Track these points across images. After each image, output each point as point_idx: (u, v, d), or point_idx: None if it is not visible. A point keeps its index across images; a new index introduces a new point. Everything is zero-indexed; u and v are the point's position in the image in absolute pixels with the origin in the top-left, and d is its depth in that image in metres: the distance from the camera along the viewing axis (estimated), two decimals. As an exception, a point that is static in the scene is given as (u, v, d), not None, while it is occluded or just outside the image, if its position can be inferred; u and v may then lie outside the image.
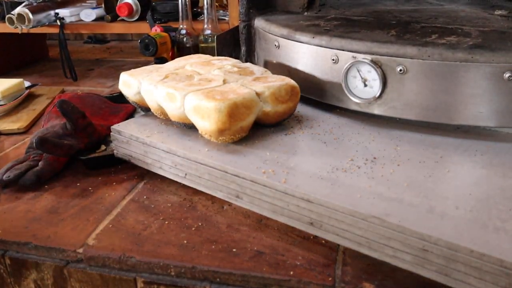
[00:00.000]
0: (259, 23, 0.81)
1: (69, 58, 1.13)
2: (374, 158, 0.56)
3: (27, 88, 1.07)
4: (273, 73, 0.76)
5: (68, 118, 0.72)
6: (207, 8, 1.00)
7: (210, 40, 1.00)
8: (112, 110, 0.89)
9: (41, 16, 1.14)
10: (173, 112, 0.62)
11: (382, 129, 0.64)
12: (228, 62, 0.73)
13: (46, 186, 0.69)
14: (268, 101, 0.61)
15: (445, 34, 0.64)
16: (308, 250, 0.52)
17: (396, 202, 0.46)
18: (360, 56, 0.62)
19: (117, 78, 1.10)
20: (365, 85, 0.63)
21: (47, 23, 1.16)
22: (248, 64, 0.72)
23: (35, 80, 1.24)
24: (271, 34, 0.76)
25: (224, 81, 0.64)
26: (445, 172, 0.52)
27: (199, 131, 0.60)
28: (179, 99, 0.60)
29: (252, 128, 0.62)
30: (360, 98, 0.64)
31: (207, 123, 0.57)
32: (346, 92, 0.65)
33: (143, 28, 1.12)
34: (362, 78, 0.63)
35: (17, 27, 1.11)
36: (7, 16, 1.11)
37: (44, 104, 1.02)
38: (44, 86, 1.17)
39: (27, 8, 1.09)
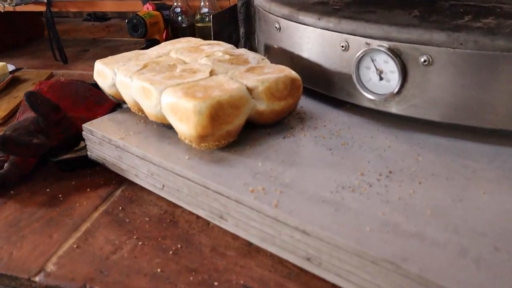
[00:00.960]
0: (258, 1, 0.70)
1: (58, 39, 1.03)
2: (390, 172, 0.45)
3: (11, 72, 0.98)
4: (274, 60, 0.66)
5: (37, 113, 0.63)
6: (204, -18, 0.88)
7: (207, 19, 0.89)
8: (97, 99, 0.80)
9: (25, -8, 1.04)
10: (149, 111, 0.52)
11: (400, 132, 0.53)
12: (219, 48, 0.62)
13: (12, 192, 0.60)
14: (263, 97, 0.50)
15: (481, 15, 0.52)
16: (306, 286, 0.42)
17: (416, 238, 0.36)
18: (375, 43, 0.51)
19: (109, 61, 1.00)
20: (381, 78, 0.52)
21: (32, 0, 1.06)
22: (243, 51, 0.61)
23: (25, 62, 1.15)
24: (271, 14, 0.64)
25: (212, 72, 0.54)
26: (480, 194, 0.41)
27: (178, 135, 0.50)
28: (155, 95, 0.50)
29: (244, 128, 0.51)
30: (374, 93, 0.53)
31: (185, 127, 0.47)
32: (357, 85, 0.54)
33: (137, 6, 1.01)
34: (377, 69, 0.52)
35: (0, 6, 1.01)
36: (-12, -8, 1.02)
37: (29, 90, 0.94)
38: (32, 69, 1.08)
39: (9, -16, 0.99)
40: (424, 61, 0.48)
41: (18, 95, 0.91)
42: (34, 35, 1.40)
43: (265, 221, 0.41)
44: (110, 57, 0.62)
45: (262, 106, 0.51)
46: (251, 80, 0.51)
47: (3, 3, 1.01)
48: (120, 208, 0.56)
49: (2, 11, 1.02)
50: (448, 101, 0.49)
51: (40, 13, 1.40)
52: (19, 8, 1.04)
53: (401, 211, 0.39)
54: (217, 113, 0.46)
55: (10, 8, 1.03)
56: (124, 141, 0.53)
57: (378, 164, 0.47)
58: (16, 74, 1.00)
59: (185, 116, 0.46)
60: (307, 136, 0.53)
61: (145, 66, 0.56)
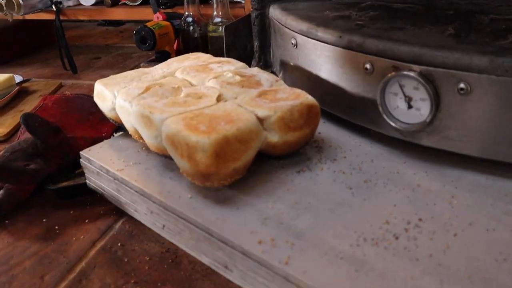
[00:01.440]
0: (274, 12, 0.64)
1: (67, 49, 0.99)
2: (420, 220, 0.39)
3: (18, 84, 0.95)
4: (290, 79, 0.60)
5: (35, 136, 0.59)
6: (217, -10, 0.83)
7: (220, 29, 0.84)
8: (102, 115, 0.76)
9: (34, 1, 1.00)
10: (149, 141, 0.47)
11: (431, 167, 0.47)
12: (229, 67, 0.57)
13: (6, 222, 0.56)
14: (275, 129, 0.45)
15: (528, 33, 0.45)
16: None
17: (453, 316, 0.30)
18: (404, 67, 0.44)
19: (123, 68, 0.96)
20: (410, 106, 0.46)
21: (42, 9, 1.02)
22: (256, 70, 0.56)
23: (34, 71, 1.12)
24: (288, 28, 0.59)
25: (219, 98, 0.48)
26: (529, 253, 0.35)
27: (180, 170, 0.45)
28: (155, 125, 0.45)
29: (255, 159, 0.46)
30: (402, 122, 0.47)
31: (186, 164, 0.42)
32: (382, 113, 0.48)
33: (147, 13, 0.97)
34: (405, 96, 0.45)
35: (7, 14, 0.98)
36: (-5, 1, 0.99)
37: (35, 103, 0.90)
38: (41, 78, 1.05)
39: (17, -8, 0.96)
40: (461, 89, 0.42)
41: (24, 108, 0.87)
42: (44, 42, 1.37)
43: (275, 280, 0.36)
44: (111, 76, 0.57)
45: (275, 138, 0.45)
46: (263, 109, 0.45)
47: (11, 12, 0.98)
48: (119, 244, 0.51)
49: (10, 20, 0.99)
50: (487, 134, 0.43)
51: (51, 20, 1.38)
52: (28, 17, 1.01)
53: (434, 274, 0.33)
54: (223, 150, 0.40)
55: (19, 17, 1.00)
56: (123, 173, 0.48)
57: (406, 209, 0.41)
58: (24, 85, 0.97)
59: (187, 152, 0.41)
60: (325, 170, 0.47)
61: (147, 89, 0.51)
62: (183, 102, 0.48)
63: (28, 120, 0.58)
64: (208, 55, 0.62)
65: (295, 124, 0.46)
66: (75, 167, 0.61)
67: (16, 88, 0.91)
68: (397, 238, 0.37)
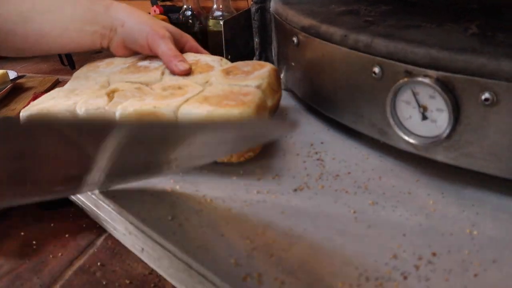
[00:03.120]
0: (274, 6, 0.58)
1: (64, 42, 0.94)
2: (433, 254, 0.33)
3: (12, 80, 0.91)
4: (291, 79, 0.56)
5: None
6: (218, -19, 0.76)
7: (220, 23, 0.78)
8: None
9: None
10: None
11: (448, 187, 0.41)
12: (158, 64, 0.53)
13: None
14: (267, 94, 0.47)
15: None
16: None
17: None
18: (418, 72, 0.38)
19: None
20: (425, 117, 0.39)
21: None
22: (194, 56, 0.55)
23: (32, 65, 1.08)
24: (288, 24, 0.53)
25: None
26: None
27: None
28: (167, 118, 0.42)
29: (247, 172, 0.41)
30: (414, 135, 0.41)
31: None
32: (393, 124, 0.41)
33: (144, 6, 0.91)
34: (420, 105, 0.39)
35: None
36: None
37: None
38: (38, 74, 1.01)
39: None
40: (486, 99, 0.35)
41: (16, 107, 0.83)
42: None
43: (259, 326, 0.30)
44: (38, 100, 0.49)
45: (269, 102, 0.46)
46: (252, 80, 0.47)
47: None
48: (99, 264, 0.47)
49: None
50: (516, 152, 0.36)
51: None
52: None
53: (450, 328, 0.28)
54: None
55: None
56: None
57: (418, 240, 0.35)
58: (19, 81, 0.92)
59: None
60: (326, 189, 0.41)
61: (110, 96, 0.46)
62: (170, 94, 0.43)
63: (4, 125, 0.53)
64: (121, 59, 0.58)
65: (276, 87, 0.49)
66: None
67: (10, 85, 0.87)
68: (405, 277, 0.31)
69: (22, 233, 0.52)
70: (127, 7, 0.56)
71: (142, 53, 0.56)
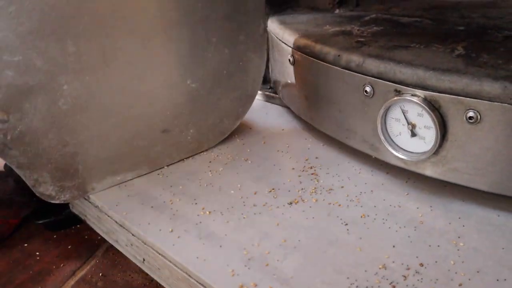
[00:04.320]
0: (272, 25, 0.60)
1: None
2: (421, 265, 0.35)
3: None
4: (287, 97, 0.57)
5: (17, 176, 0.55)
6: None
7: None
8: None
9: None
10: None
11: (436, 200, 0.43)
12: None
13: (-14, 247, 0.53)
14: None
15: (546, 54, 0.41)
16: None
17: None
18: (407, 91, 0.40)
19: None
20: (413, 134, 0.41)
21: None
22: None
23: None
24: (285, 43, 0.55)
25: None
26: (544, 312, 0.31)
27: None
28: None
29: (244, 186, 0.42)
30: (404, 151, 0.43)
31: None
32: (383, 140, 0.44)
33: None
34: (409, 123, 0.41)
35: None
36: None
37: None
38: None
39: None
40: (470, 117, 0.38)
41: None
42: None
43: (255, 333, 0.32)
44: None
45: None
46: None
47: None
48: (101, 274, 0.48)
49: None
50: (499, 167, 0.38)
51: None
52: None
53: (435, 334, 0.29)
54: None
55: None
56: (102, 200, 0.45)
57: (406, 251, 0.36)
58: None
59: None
60: (319, 202, 0.43)
61: None
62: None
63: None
64: None
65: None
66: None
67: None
68: (394, 287, 0.33)
69: (26, 244, 0.53)
70: None
71: None
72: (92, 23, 0.40)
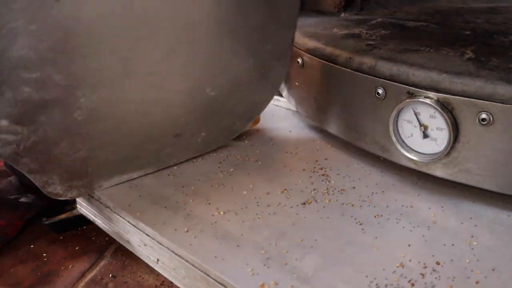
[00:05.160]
0: (279, 28, 0.61)
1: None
2: (437, 263, 0.36)
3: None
4: (294, 99, 0.57)
5: (23, 177, 0.54)
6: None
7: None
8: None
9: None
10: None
11: (447, 201, 0.44)
12: None
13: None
14: None
15: (553, 58, 0.42)
16: None
17: None
18: (419, 93, 0.41)
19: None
20: (425, 136, 0.42)
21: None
22: None
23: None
24: (294, 46, 0.55)
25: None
26: (561, 308, 0.31)
27: None
28: None
29: (258, 189, 0.42)
30: (416, 152, 0.43)
31: None
32: (395, 141, 0.44)
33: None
34: (421, 124, 0.42)
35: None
36: None
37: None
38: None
39: None
40: (483, 119, 0.38)
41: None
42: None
43: (277, 331, 0.32)
44: None
45: None
46: None
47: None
48: (111, 275, 0.48)
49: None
50: (510, 168, 0.39)
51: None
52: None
53: (457, 331, 0.30)
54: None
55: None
56: (114, 200, 0.45)
57: (422, 250, 0.37)
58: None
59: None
60: (332, 202, 0.44)
61: None
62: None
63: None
64: None
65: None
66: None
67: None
68: (413, 284, 0.34)
69: (32, 246, 0.53)
70: None
71: None
72: (116, 38, 0.39)
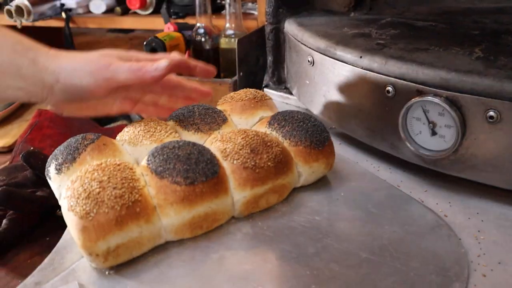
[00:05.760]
0: (289, 27, 0.62)
1: (76, 56, 0.98)
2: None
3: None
4: (304, 97, 0.58)
5: (41, 174, 0.55)
6: (230, 1, 0.80)
7: (233, 41, 0.82)
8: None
9: (44, 7, 0.99)
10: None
11: (455, 197, 0.45)
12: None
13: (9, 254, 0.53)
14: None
15: (560, 58, 0.43)
16: None
17: None
18: (429, 91, 0.42)
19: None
20: (434, 133, 0.43)
21: (51, 16, 1.01)
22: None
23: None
24: (304, 45, 0.57)
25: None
26: None
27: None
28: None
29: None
30: (424, 149, 0.44)
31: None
32: (404, 138, 0.45)
33: (157, 23, 0.95)
34: (429, 122, 0.43)
35: (16, 21, 0.96)
36: (5, 8, 0.97)
37: (42, 112, 0.88)
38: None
39: (27, -1, 0.94)
40: (491, 117, 0.39)
41: (29, 118, 0.86)
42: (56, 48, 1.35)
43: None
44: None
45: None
46: None
47: (21, 18, 0.97)
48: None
49: (19, 26, 0.97)
50: (518, 166, 0.40)
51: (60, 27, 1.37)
52: (37, 24, 1.00)
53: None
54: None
55: (29, 24, 0.99)
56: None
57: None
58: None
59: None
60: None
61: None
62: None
63: (30, 158, 0.55)
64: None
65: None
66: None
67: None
68: (421, 277, 0.35)
69: (47, 238, 0.54)
70: (61, 55, 0.44)
71: (96, 98, 0.44)
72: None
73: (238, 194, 0.40)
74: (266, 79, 0.70)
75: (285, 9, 0.64)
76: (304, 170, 0.44)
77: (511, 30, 0.53)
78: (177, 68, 0.45)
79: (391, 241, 0.38)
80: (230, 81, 0.76)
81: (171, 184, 0.38)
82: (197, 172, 0.38)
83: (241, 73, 0.73)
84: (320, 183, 0.46)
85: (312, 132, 0.45)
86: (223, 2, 0.95)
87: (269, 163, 0.41)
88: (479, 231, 0.40)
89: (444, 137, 0.43)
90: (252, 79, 0.75)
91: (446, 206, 0.43)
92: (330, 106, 0.54)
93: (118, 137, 0.48)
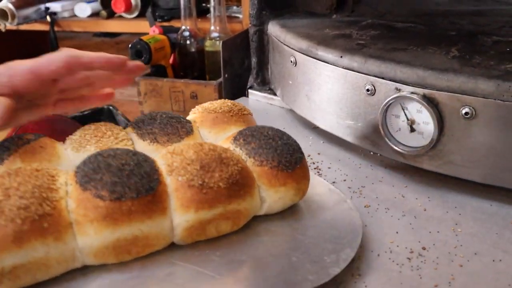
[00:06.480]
0: (273, 29, 0.63)
1: (61, 59, 0.97)
2: (423, 248, 0.38)
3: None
4: (288, 97, 0.59)
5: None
6: (214, 4, 0.81)
7: (217, 44, 0.83)
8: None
9: (29, 11, 0.99)
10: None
11: (433, 191, 0.46)
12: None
13: None
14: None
15: (533, 56, 0.45)
16: None
17: None
18: (407, 89, 0.43)
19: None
20: (412, 130, 0.44)
21: (36, 19, 1.00)
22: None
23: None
24: (287, 46, 0.58)
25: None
26: (538, 287, 0.34)
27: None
28: None
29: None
30: (403, 145, 0.46)
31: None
32: (384, 135, 0.46)
33: (143, 26, 0.96)
34: (408, 119, 0.44)
35: (0, 24, 0.96)
36: (-11, 11, 0.97)
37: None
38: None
39: (11, 2, 0.94)
40: (466, 113, 0.41)
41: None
42: (38, 53, 1.34)
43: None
44: None
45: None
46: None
47: (5, 22, 0.96)
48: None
49: (3, 30, 0.97)
50: (492, 160, 0.41)
51: (47, 31, 1.36)
52: (22, 27, 0.99)
53: (440, 309, 0.32)
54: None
55: (13, 27, 0.98)
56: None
57: (409, 237, 0.39)
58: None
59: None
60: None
61: None
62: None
63: None
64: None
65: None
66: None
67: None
68: (400, 267, 0.36)
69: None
70: None
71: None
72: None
73: (179, 217, 0.34)
74: (251, 80, 0.71)
75: (268, 11, 0.65)
76: (268, 196, 0.38)
77: (487, 31, 0.55)
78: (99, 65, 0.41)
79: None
80: (215, 83, 0.77)
81: (93, 198, 0.32)
82: (126, 187, 0.32)
83: (226, 75, 0.74)
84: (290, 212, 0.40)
85: (282, 151, 0.38)
86: (208, 5, 0.96)
87: (220, 183, 0.34)
88: (456, 224, 0.41)
89: (423, 133, 0.44)
90: (237, 81, 0.76)
91: (425, 201, 0.44)
92: (312, 106, 0.55)
93: (67, 140, 0.43)
